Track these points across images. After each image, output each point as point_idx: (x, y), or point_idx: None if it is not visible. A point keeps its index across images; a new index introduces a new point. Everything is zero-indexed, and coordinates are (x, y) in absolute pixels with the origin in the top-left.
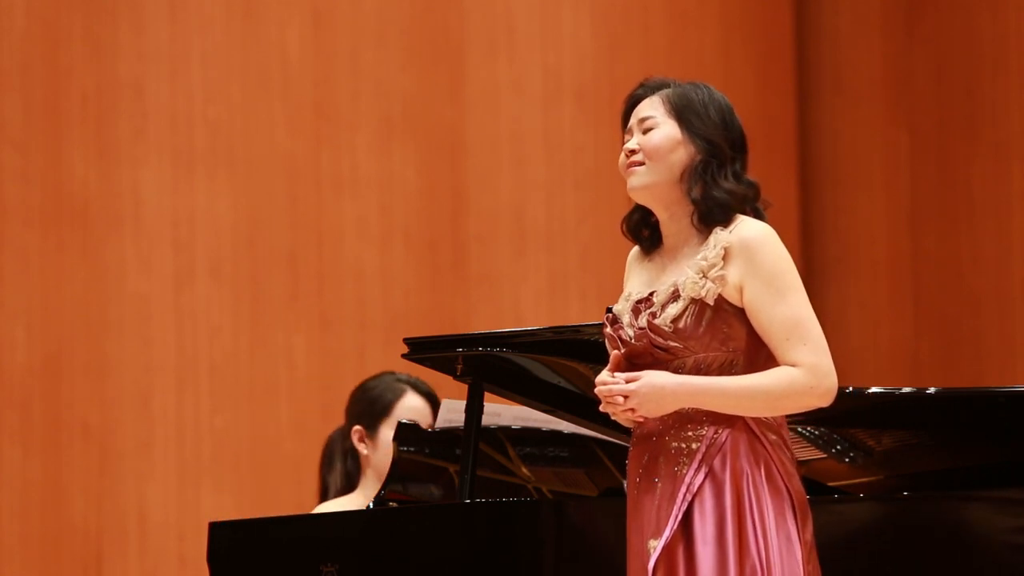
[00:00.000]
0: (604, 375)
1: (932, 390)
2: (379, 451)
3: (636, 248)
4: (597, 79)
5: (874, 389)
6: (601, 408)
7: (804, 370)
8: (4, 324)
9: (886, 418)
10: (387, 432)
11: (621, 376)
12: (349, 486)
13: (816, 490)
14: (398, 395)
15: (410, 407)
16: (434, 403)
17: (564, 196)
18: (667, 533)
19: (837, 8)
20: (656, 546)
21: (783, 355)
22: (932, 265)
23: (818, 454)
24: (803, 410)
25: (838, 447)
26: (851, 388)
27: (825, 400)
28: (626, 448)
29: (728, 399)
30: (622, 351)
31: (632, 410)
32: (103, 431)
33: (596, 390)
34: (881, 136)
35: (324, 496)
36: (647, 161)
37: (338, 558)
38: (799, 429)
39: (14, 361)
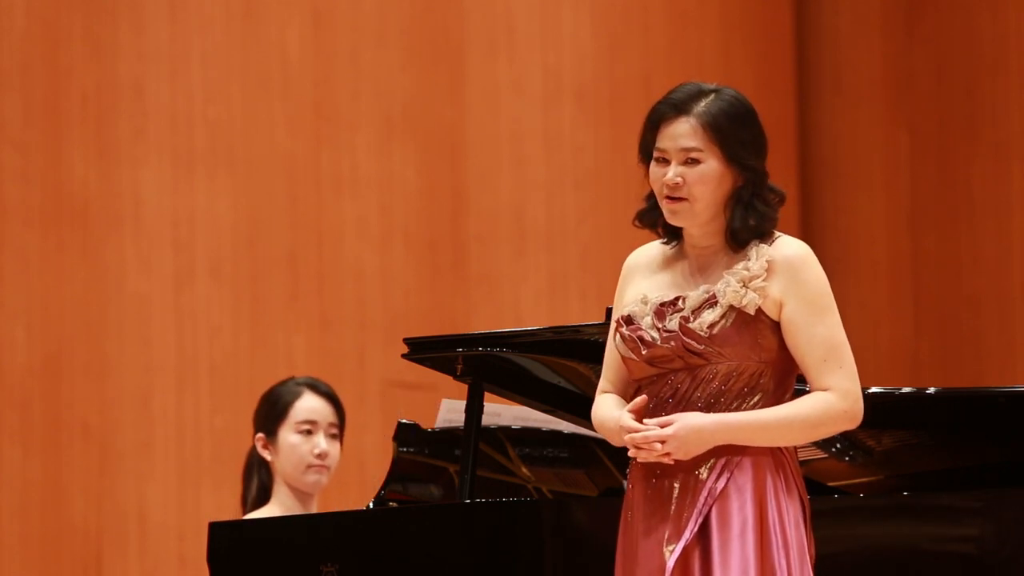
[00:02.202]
0: (630, 422)
1: (932, 390)
2: (281, 457)
3: (637, 254)
4: (597, 79)
5: (874, 389)
6: (631, 454)
7: (837, 394)
8: (4, 324)
9: (886, 418)
10: (286, 436)
11: (652, 422)
12: (264, 497)
13: (816, 490)
14: (295, 397)
15: (308, 408)
16: (335, 403)
17: (564, 196)
18: (687, 535)
19: (837, 8)
20: (675, 548)
21: (816, 376)
22: (932, 265)
23: (818, 454)
24: (833, 434)
25: (838, 447)
26: None
27: (854, 424)
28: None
29: (767, 431)
30: (644, 353)
31: (667, 453)
32: (103, 431)
33: (627, 438)
34: (881, 136)
35: (244, 508)
36: (690, 200)
37: (338, 558)
38: None
39: (14, 361)
